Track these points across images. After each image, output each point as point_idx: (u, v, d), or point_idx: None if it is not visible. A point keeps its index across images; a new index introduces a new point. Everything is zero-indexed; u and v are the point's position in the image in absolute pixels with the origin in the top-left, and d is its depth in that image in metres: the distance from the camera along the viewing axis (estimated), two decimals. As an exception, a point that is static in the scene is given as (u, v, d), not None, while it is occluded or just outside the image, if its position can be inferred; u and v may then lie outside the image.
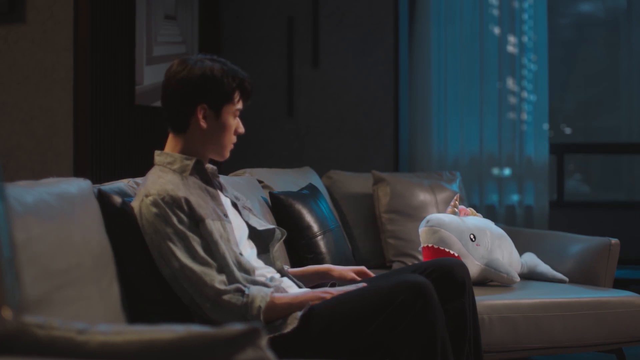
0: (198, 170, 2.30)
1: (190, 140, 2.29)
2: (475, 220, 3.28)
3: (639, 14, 5.08)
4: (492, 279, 3.21)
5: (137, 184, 2.43)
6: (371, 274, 2.56)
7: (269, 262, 2.44)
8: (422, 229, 3.18)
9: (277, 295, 2.19)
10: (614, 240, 3.36)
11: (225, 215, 2.27)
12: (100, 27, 3.73)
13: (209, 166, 2.36)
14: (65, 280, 1.83)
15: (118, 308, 2.07)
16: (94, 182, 2.25)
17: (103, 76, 3.76)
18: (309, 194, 3.28)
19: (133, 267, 2.16)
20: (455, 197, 3.35)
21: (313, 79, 4.77)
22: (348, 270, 2.56)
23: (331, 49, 4.77)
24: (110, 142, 3.80)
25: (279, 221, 3.08)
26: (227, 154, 2.35)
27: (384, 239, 3.80)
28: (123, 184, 2.38)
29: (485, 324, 2.96)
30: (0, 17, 3.67)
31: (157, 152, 2.32)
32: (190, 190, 2.22)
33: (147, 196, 2.16)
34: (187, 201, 2.17)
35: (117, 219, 2.16)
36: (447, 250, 3.09)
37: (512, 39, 4.67)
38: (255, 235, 2.44)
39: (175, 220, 2.14)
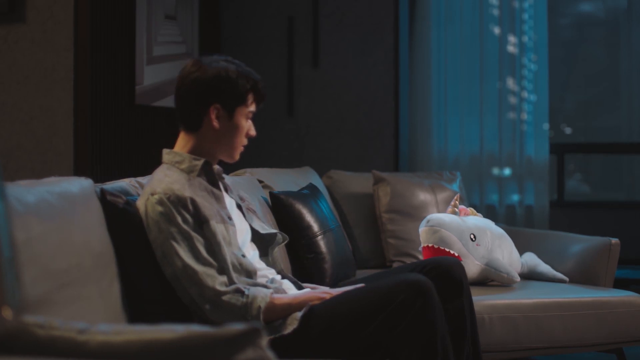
0: (205, 172, 2.30)
1: (201, 139, 2.29)
2: (476, 220, 3.28)
3: (639, 14, 5.08)
4: (492, 278, 3.21)
5: (140, 183, 2.43)
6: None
7: (268, 264, 2.44)
8: (422, 229, 3.18)
9: (276, 296, 2.19)
10: (614, 240, 3.36)
11: (229, 218, 2.26)
12: (100, 27, 3.73)
13: (215, 167, 2.36)
14: (66, 280, 1.83)
15: (118, 308, 2.07)
16: (95, 182, 2.25)
17: (103, 76, 3.76)
18: (309, 194, 3.28)
19: (134, 266, 2.16)
20: (455, 197, 3.35)
21: (313, 79, 4.77)
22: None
23: (331, 49, 4.77)
24: (111, 142, 3.80)
25: (279, 221, 3.08)
26: (237, 156, 2.35)
27: (384, 239, 3.80)
28: (125, 183, 2.38)
29: (485, 323, 2.96)
30: (0, 17, 3.67)
31: (165, 151, 2.32)
32: (195, 192, 2.22)
33: (152, 194, 2.16)
34: (193, 201, 2.17)
35: (120, 218, 2.16)
36: (447, 250, 3.09)
37: (512, 38, 4.66)
38: (257, 238, 2.44)
39: (180, 219, 2.14)
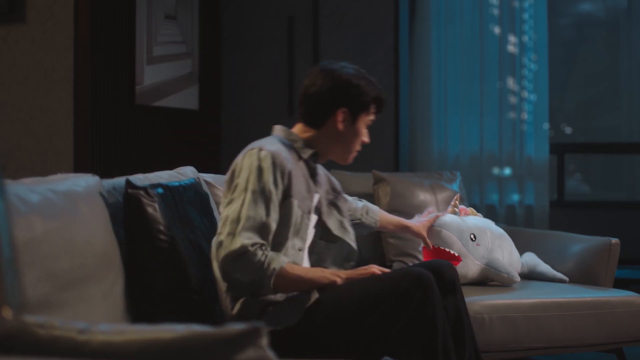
0: (311, 161, 2.40)
1: (320, 136, 2.40)
2: (476, 220, 3.27)
3: (639, 14, 5.08)
4: (492, 278, 3.21)
5: (148, 179, 2.42)
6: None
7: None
8: None
9: (291, 265, 2.22)
10: (614, 240, 3.36)
11: (309, 212, 2.34)
12: (100, 27, 3.73)
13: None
14: (68, 280, 1.83)
15: (121, 308, 2.07)
16: (95, 182, 2.25)
17: (103, 76, 3.76)
18: (309, 194, 3.29)
19: (154, 261, 2.17)
20: (455, 197, 3.33)
21: (313, 78, 4.77)
22: (422, 229, 2.94)
23: (331, 49, 4.77)
24: (111, 142, 3.80)
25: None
26: (351, 160, 2.49)
27: (384, 239, 3.79)
28: (133, 178, 2.37)
29: (485, 323, 2.96)
30: (0, 17, 3.67)
31: (280, 127, 2.43)
32: (297, 171, 2.31)
33: (261, 150, 2.24)
34: (290, 175, 2.26)
35: (142, 211, 2.17)
36: (447, 250, 3.07)
37: (512, 38, 4.66)
38: (325, 235, 2.47)
39: (271, 179, 2.21)
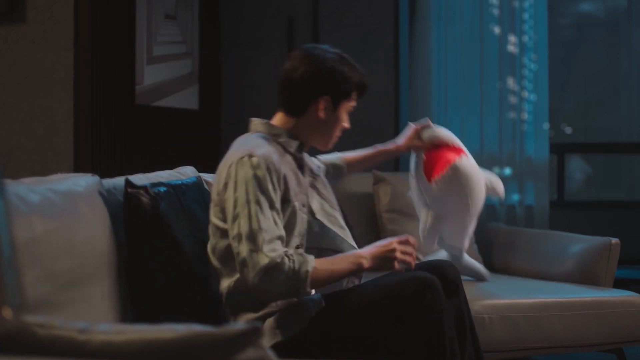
0: (297, 153, 2.36)
1: (301, 124, 2.36)
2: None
3: (639, 14, 5.08)
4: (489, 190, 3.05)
5: (148, 178, 2.42)
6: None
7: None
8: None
9: (317, 260, 2.20)
10: (614, 240, 3.37)
11: (304, 205, 2.30)
12: (100, 27, 3.73)
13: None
14: (68, 280, 1.83)
15: (122, 308, 2.07)
16: (95, 181, 2.25)
17: (103, 76, 3.75)
18: (309, 194, 3.29)
19: (154, 261, 2.16)
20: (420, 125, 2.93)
21: (313, 78, 4.77)
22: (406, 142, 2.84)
23: (331, 49, 4.76)
24: (111, 142, 3.80)
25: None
26: (331, 146, 2.44)
27: (381, 225, 3.79)
28: (134, 178, 2.37)
29: (485, 323, 2.96)
30: (0, 17, 3.67)
31: (259, 120, 2.39)
32: (286, 169, 2.27)
33: (250, 156, 2.18)
34: (285, 179, 2.22)
35: (142, 210, 2.16)
36: (448, 143, 2.86)
37: (512, 38, 4.66)
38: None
39: (271, 187, 2.17)
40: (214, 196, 2.26)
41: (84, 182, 2.08)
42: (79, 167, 3.61)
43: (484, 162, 4.67)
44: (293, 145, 2.34)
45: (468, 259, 3.29)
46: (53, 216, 1.83)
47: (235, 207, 2.16)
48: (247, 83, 4.78)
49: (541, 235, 3.84)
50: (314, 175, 2.47)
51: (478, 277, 3.29)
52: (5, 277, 1.02)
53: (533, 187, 4.64)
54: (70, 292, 1.82)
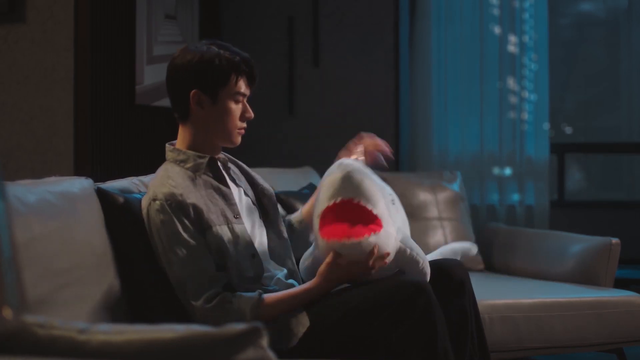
0: (212, 168, 2.26)
1: (195, 129, 2.25)
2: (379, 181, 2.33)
3: (639, 13, 5.08)
4: (403, 264, 2.25)
5: (142, 182, 2.41)
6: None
7: (287, 249, 2.38)
8: (333, 177, 2.22)
9: (266, 296, 2.14)
10: (614, 240, 3.36)
11: (236, 216, 2.22)
12: (100, 27, 3.73)
13: (220, 156, 2.32)
14: (67, 280, 1.82)
15: (120, 308, 2.07)
16: (95, 181, 2.25)
17: (103, 76, 3.75)
18: (309, 194, 3.28)
19: (134, 265, 2.16)
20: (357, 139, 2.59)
21: (314, 78, 4.77)
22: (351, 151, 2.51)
23: (331, 49, 4.77)
24: (111, 142, 3.80)
25: (280, 221, 3.08)
26: (237, 140, 2.28)
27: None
28: (127, 181, 2.37)
29: (486, 323, 2.96)
30: (0, 17, 3.67)
31: (168, 147, 2.28)
32: (200, 193, 2.18)
33: (154, 200, 2.12)
34: (195, 207, 2.13)
35: (118, 217, 2.15)
36: (369, 208, 2.15)
37: (512, 38, 4.66)
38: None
39: (180, 227, 2.10)
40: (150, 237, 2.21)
41: (78, 184, 2.08)
42: (79, 167, 3.61)
43: (485, 162, 4.67)
44: (202, 166, 2.22)
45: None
46: (51, 216, 1.84)
47: (158, 256, 2.13)
48: (247, 83, 4.78)
49: (541, 235, 3.84)
50: (255, 187, 2.40)
51: (465, 255, 2.80)
52: (5, 277, 1.02)
53: (533, 187, 4.64)
54: (69, 292, 1.82)
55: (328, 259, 2.16)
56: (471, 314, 2.33)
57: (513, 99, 4.67)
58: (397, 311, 2.07)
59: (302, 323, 2.14)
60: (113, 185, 2.28)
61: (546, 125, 4.64)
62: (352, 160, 2.31)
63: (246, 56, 2.27)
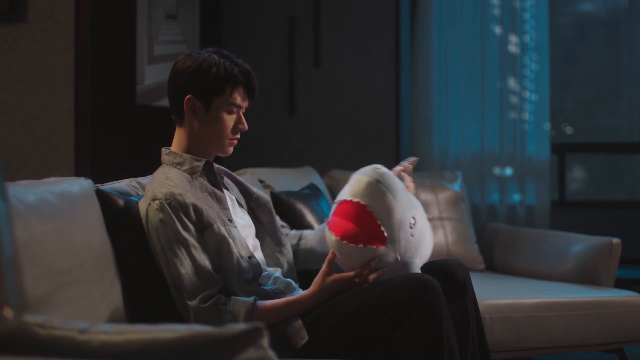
0: (207, 172, 2.28)
1: (189, 134, 2.26)
2: (418, 203, 2.35)
3: (639, 13, 5.08)
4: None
5: (140, 183, 2.42)
6: None
7: (280, 254, 2.40)
8: (363, 176, 2.25)
9: (260, 303, 2.15)
10: (615, 240, 3.36)
11: (230, 220, 2.23)
12: (101, 27, 3.73)
13: (216, 166, 2.34)
14: (67, 279, 1.82)
15: (120, 307, 2.07)
16: (95, 182, 2.25)
17: (104, 76, 3.75)
18: (310, 194, 3.28)
19: (133, 266, 2.16)
20: (411, 161, 2.52)
21: (314, 78, 4.77)
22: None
23: (332, 49, 4.76)
24: (111, 142, 3.80)
25: (280, 221, 3.08)
26: (228, 150, 2.29)
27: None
28: (125, 183, 2.37)
29: (486, 323, 2.96)
30: (0, 16, 3.67)
31: (165, 151, 2.30)
32: (197, 194, 2.19)
33: (154, 200, 2.13)
34: (195, 207, 2.14)
35: (117, 218, 2.15)
36: (378, 222, 2.17)
37: (513, 38, 4.66)
38: (269, 229, 2.41)
39: (179, 226, 2.11)
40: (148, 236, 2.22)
41: (78, 184, 2.08)
42: (79, 166, 3.60)
43: (485, 161, 4.67)
44: (198, 168, 2.23)
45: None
46: (51, 216, 1.84)
47: (155, 254, 2.14)
48: (247, 83, 4.78)
49: (542, 235, 3.84)
50: (247, 195, 2.41)
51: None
52: (6, 277, 1.02)
53: (534, 187, 4.64)
54: (69, 291, 1.82)
55: (323, 269, 2.19)
56: (472, 314, 2.33)
57: (514, 99, 4.67)
58: (402, 309, 2.07)
59: (301, 336, 2.14)
60: (111, 187, 2.28)
61: (547, 125, 4.64)
62: (389, 172, 2.29)
63: (246, 68, 2.27)
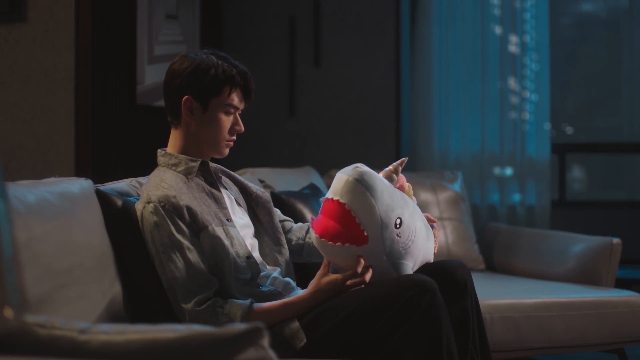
0: (203, 172, 2.28)
1: (185, 135, 2.26)
2: (411, 204, 2.29)
3: (640, 13, 5.08)
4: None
5: (140, 183, 2.42)
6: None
7: (278, 254, 2.39)
8: (344, 176, 2.21)
9: (256, 305, 2.15)
10: (615, 240, 3.36)
11: (229, 220, 2.23)
12: (101, 27, 3.73)
13: (212, 165, 2.34)
14: (67, 279, 1.83)
15: (120, 307, 2.07)
16: (96, 181, 2.25)
17: (104, 76, 3.75)
18: (310, 194, 3.28)
19: (133, 266, 2.16)
20: (400, 161, 2.39)
21: (315, 78, 4.77)
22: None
23: (333, 49, 4.77)
24: (112, 142, 3.80)
25: (281, 221, 3.08)
26: (224, 151, 2.29)
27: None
28: (125, 183, 2.37)
29: (487, 323, 2.96)
30: (1, 16, 3.67)
31: (160, 152, 2.30)
32: (193, 195, 2.19)
33: (148, 202, 2.13)
34: (190, 209, 2.14)
35: (116, 219, 2.15)
36: (358, 223, 2.13)
37: (513, 38, 4.66)
38: (268, 229, 2.41)
39: (173, 229, 2.11)
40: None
41: (78, 185, 2.08)
42: (79, 166, 3.61)
43: (485, 162, 4.67)
44: (194, 169, 2.23)
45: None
46: (51, 217, 1.84)
47: (152, 257, 2.14)
48: (248, 83, 4.78)
49: (542, 235, 3.84)
50: (247, 194, 2.41)
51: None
52: (6, 277, 1.02)
53: (534, 187, 4.64)
54: (69, 291, 1.82)
55: (320, 270, 2.19)
56: (473, 314, 2.33)
57: (514, 99, 4.67)
58: (401, 310, 2.07)
59: (299, 338, 2.14)
60: (111, 187, 2.28)
61: (547, 125, 4.64)
62: (370, 171, 2.22)
63: (244, 70, 2.27)
